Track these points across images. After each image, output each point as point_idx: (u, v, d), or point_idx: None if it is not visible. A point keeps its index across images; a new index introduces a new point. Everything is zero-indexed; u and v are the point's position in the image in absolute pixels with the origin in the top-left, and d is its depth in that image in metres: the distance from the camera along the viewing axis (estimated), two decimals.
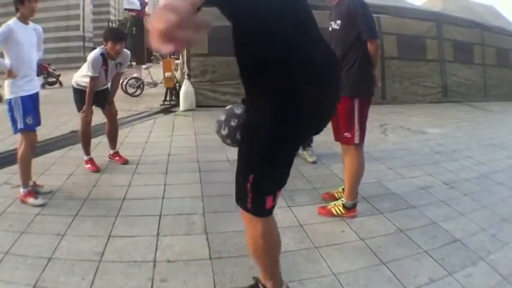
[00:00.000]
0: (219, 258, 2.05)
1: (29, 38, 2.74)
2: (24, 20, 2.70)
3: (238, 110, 1.58)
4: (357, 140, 2.48)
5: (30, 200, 2.68)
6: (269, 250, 1.52)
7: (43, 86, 12.30)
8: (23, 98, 2.70)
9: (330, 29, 2.51)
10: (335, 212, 2.57)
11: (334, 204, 2.62)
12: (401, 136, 5.17)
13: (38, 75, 11.11)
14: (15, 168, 2.91)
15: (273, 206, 1.46)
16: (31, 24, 2.79)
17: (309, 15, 1.42)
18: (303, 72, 1.29)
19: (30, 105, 2.74)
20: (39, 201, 2.68)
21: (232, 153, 4.26)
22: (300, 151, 3.91)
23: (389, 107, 6.97)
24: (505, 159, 4.19)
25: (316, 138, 4.07)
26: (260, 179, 1.38)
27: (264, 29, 1.25)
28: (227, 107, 1.68)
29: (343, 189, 2.71)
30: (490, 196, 3.03)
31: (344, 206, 2.56)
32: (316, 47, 1.39)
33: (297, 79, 1.28)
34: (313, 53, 1.34)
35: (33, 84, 2.82)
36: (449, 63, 9.21)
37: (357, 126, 2.47)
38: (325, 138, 4.69)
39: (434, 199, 2.94)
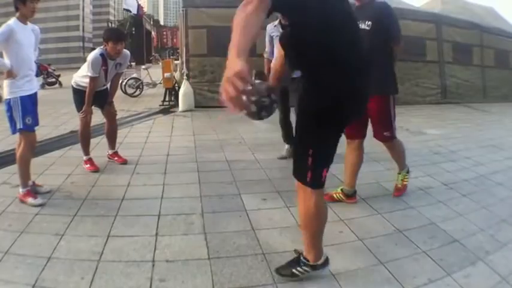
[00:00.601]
0: (218, 258, 2.06)
1: (28, 38, 2.75)
2: (24, 20, 2.70)
3: (262, 86, 1.76)
4: (395, 135, 2.73)
5: (29, 199, 2.68)
6: (319, 219, 1.77)
7: (43, 86, 12.29)
8: (22, 98, 2.70)
9: None
10: (407, 182, 2.95)
11: (402, 179, 2.94)
12: (400, 137, 5.03)
13: (37, 75, 11.13)
14: (15, 168, 2.91)
15: (325, 179, 1.73)
16: (30, 25, 2.79)
17: (356, 25, 1.81)
18: (352, 69, 1.61)
19: (29, 105, 2.74)
20: (38, 201, 2.69)
21: (231, 153, 4.30)
22: None
23: None
24: (503, 160, 4.20)
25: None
26: (319, 153, 1.66)
27: (323, 36, 1.53)
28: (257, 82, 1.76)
29: (341, 190, 2.82)
30: (489, 197, 3.03)
31: (408, 172, 2.95)
32: (360, 50, 1.70)
33: (349, 73, 1.61)
34: (358, 55, 1.67)
35: (32, 85, 2.82)
36: (449, 64, 9.23)
37: (393, 123, 2.70)
38: None
39: (433, 200, 2.95)
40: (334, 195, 2.80)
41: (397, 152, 2.92)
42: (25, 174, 2.76)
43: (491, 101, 9.63)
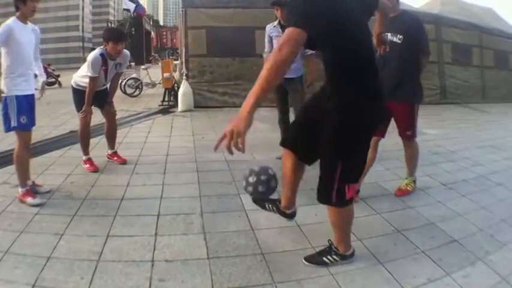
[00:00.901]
0: (217, 258, 2.06)
1: (28, 38, 2.73)
2: (24, 19, 2.70)
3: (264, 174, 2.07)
4: (416, 135, 3.02)
5: (29, 199, 2.68)
6: (350, 219, 2.00)
7: None
8: (18, 97, 2.68)
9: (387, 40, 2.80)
10: (411, 189, 3.06)
11: (406, 184, 3.08)
12: (399, 137, 5.17)
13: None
14: (13, 168, 2.90)
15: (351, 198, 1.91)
16: (30, 25, 2.78)
17: (371, 46, 1.97)
18: (373, 87, 1.82)
19: (24, 105, 2.71)
20: (37, 200, 2.69)
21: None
22: None
23: None
24: (503, 160, 4.20)
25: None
26: (347, 168, 1.80)
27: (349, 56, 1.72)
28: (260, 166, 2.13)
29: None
30: (488, 197, 3.04)
31: (414, 181, 3.12)
32: (377, 73, 1.90)
33: (372, 90, 1.81)
34: (377, 77, 1.87)
35: (29, 85, 2.78)
36: (448, 65, 9.24)
37: (416, 125, 3.00)
38: None
39: (432, 200, 2.96)
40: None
41: (412, 153, 3.07)
42: (23, 174, 2.76)
43: (491, 101, 9.64)
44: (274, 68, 1.47)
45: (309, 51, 3.94)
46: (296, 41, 1.51)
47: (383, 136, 2.94)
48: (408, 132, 2.96)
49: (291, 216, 2.23)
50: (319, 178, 1.89)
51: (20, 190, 2.72)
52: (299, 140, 2.00)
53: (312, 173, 3.51)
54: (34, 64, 2.86)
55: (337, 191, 1.81)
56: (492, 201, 2.94)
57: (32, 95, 2.82)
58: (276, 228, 2.41)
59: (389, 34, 2.74)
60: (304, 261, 2.02)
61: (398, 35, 2.73)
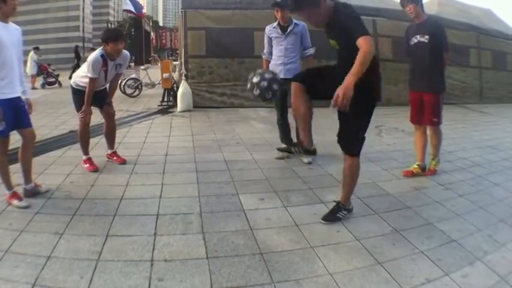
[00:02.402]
0: (216, 257, 2.07)
1: (11, 38, 2.62)
2: (4, 19, 2.59)
3: (268, 75, 2.77)
4: (441, 121, 3.54)
5: (15, 201, 2.67)
6: (357, 175, 2.54)
7: (43, 86, 12.28)
8: (0, 101, 2.55)
9: (416, 40, 3.40)
10: (438, 168, 3.63)
11: (434, 165, 3.60)
12: (396, 137, 5.19)
13: (38, 75, 11.08)
14: (15, 167, 2.92)
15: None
16: (11, 24, 2.70)
17: None
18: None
19: (6, 110, 2.58)
20: (23, 203, 2.67)
21: (229, 154, 4.30)
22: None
23: (384, 109, 6.97)
24: (500, 160, 4.22)
25: (313, 139, 4.10)
26: (364, 130, 2.44)
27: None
28: (258, 70, 2.80)
29: (418, 165, 3.54)
30: (486, 197, 3.05)
31: (438, 162, 3.64)
32: None
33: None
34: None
35: (13, 87, 2.65)
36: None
37: (441, 113, 3.51)
38: (320, 139, 4.74)
39: (429, 200, 2.97)
40: (414, 171, 3.52)
41: (437, 138, 3.58)
42: (5, 178, 2.72)
43: (488, 102, 9.66)
44: (368, 56, 2.05)
45: (308, 52, 3.97)
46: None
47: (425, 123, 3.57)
48: (435, 119, 3.47)
49: (314, 152, 2.95)
50: (345, 133, 2.45)
51: (7, 193, 2.71)
52: (312, 77, 2.49)
53: (311, 173, 3.56)
54: (18, 68, 2.70)
55: (361, 140, 2.45)
56: (490, 202, 2.95)
57: (16, 98, 2.69)
58: (274, 228, 2.43)
59: (418, 36, 3.37)
60: (322, 220, 2.50)
61: (425, 36, 3.33)
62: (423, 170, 3.53)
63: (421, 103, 3.47)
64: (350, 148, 2.47)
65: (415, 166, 3.55)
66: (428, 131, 3.58)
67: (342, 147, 2.50)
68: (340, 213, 2.54)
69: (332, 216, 2.52)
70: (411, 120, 3.68)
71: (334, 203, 2.59)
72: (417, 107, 3.53)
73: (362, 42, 2.07)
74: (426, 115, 3.48)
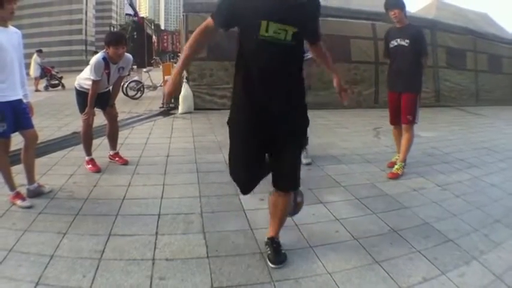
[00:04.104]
0: (217, 256, 2.10)
1: (10, 42, 2.63)
2: (4, 23, 2.61)
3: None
4: (416, 120, 3.60)
5: (18, 201, 2.70)
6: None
7: (46, 88, 12.31)
8: (0, 103, 2.57)
9: (396, 43, 3.55)
10: (401, 173, 3.57)
11: (397, 168, 3.58)
12: (393, 139, 5.21)
13: (42, 77, 11.07)
14: (19, 168, 2.95)
15: None
16: (11, 28, 2.72)
17: None
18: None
19: (7, 111, 2.61)
20: (27, 203, 2.70)
21: None
22: None
23: (382, 111, 6.98)
24: (497, 161, 4.25)
25: (312, 141, 4.13)
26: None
27: None
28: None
29: (398, 166, 3.61)
30: (483, 198, 3.08)
31: (402, 167, 3.62)
32: None
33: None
34: None
35: (13, 90, 2.67)
36: (442, 68, 9.30)
37: (417, 112, 3.56)
38: (320, 141, 4.78)
39: (426, 200, 3.00)
40: (399, 172, 3.57)
41: (408, 139, 3.61)
42: (8, 178, 2.74)
43: (484, 104, 9.73)
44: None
45: (308, 55, 3.99)
46: None
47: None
48: (409, 116, 3.54)
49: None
50: (287, 169, 1.96)
51: (10, 193, 2.74)
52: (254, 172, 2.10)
53: (310, 174, 3.59)
54: (18, 70, 2.73)
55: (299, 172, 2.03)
56: (486, 202, 2.98)
57: (17, 100, 2.71)
58: None
59: (399, 39, 3.51)
60: (275, 266, 2.02)
61: (406, 40, 3.48)
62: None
63: (399, 103, 3.61)
64: (298, 180, 2.02)
65: (397, 157, 3.77)
66: (402, 129, 3.66)
67: (290, 185, 2.01)
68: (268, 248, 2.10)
69: (282, 256, 2.07)
70: (390, 122, 3.83)
71: (270, 243, 2.10)
72: (395, 107, 3.67)
73: None
74: (402, 113, 3.59)
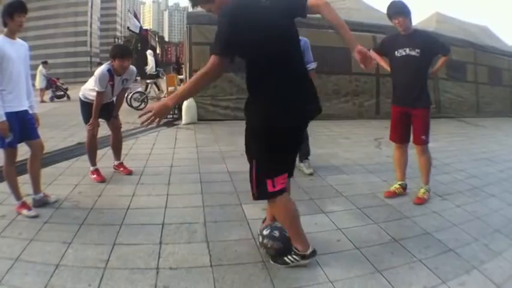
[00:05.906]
0: (220, 265, 2.12)
1: (18, 54, 2.70)
2: (11, 35, 2.67)
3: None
4: (429, 140, 3.20)
5: (24, 211, 2.73)
6: (291, 217, 2.10)
7: (51, 99, 12.44)
8: (7, 114, 2.60)
9: (404, 53, 3.13)
10: (427, 197, 3.20)
11: (422, 193, 3.21)
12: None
13: (47, 88, 11.22)
14: (25, 178, 2.99)
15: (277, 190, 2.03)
16: (19, 40, 2.77)
17: None
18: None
19: (13, 123, 2.64)
20: (32, 212, 2.73)
21: (232, 165, 4.36)
22: (297, 163, 4.00)
23: (383, 122, 7.02)
24: (497, 172, 4.26)
25: (314, 151, 4.17)
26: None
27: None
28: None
29: (399, 185, 3.33)
30: (483, 208, 3.09)
31: (427, 191, 3.24)
32: None
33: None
34: None
35: (20, 101, 2.73)
36: (443, 80, 9.36)
37: (429, 131, 3.19)
38: (322, 152, 4.82)
39: (427, 210, 3.01)
40: (396, 191, 3.31)
41: (427, 160, 3.25)
42: (14, 188, 2.78)
43: (485, 116, 9.76)
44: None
45: (310, 66, 4.05)
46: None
47: (408, 141, 3.30)
48: (423, 137, 3.17)
49: (311, 255, 2.10)
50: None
51: (16, 203, 2.78)
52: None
53: (312, 184, 3.63)
54: (25, 82, 2.79)
55: (257, 184, 2.08)
56: (487, 212, 2.99)
57: (24, 111, 2.77)
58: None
59: (407, 48, 3.12)
60: (271, 260, 2.14)
61: (416, 49, 3.09)
62: (404, 189, 3.33)
63: (404, 119, 3.21)
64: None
65: (397, 186, 3.33)
66: (416, 152, 3.26)
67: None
68: (290, 257, 2.09)
69: (279, 259, 2.12)
70: (391, 138, 3.39)
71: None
72: (402, 123, 3.23)
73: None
74: (415, 133, 3.19)
